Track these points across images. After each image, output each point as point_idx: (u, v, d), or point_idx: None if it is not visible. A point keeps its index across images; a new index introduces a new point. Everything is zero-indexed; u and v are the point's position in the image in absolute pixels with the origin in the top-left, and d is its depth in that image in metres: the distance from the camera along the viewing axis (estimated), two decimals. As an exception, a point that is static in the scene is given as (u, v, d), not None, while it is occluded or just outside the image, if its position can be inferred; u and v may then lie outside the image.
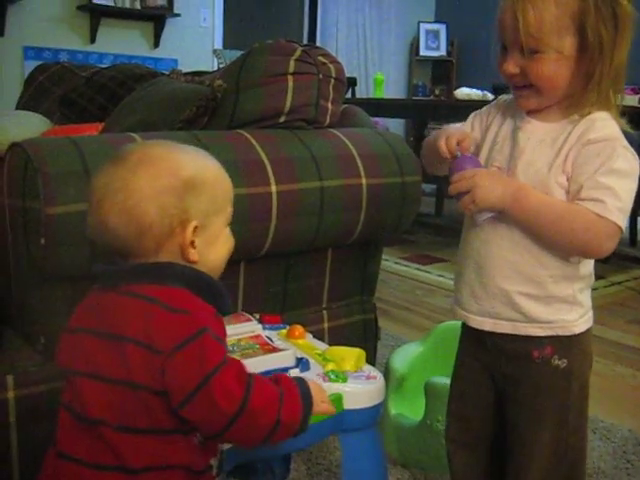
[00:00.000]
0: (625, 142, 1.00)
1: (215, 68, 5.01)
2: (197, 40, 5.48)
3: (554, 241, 1.03)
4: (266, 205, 1.43)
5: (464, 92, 4.25)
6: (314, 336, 1.32)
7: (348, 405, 1.11)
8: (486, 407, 1.17)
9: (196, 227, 0.87)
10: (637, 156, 1.00)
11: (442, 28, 6.59)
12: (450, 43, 6.57)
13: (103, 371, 0.83)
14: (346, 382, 1.12)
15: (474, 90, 4.25)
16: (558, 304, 1.06)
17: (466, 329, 1.17)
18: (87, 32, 5.02)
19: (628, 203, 0.99)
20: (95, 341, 0.85)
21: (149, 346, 0.79)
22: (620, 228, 0.98)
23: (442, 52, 6.62)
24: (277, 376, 0.92)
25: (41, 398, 1.26)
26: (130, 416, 0.82)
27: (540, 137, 1.04)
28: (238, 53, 1.92)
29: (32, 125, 2.43)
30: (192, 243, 0.87)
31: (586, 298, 1.10)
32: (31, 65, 3.61)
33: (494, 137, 1.12)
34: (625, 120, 1.04)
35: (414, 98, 6.31)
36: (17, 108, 3.09)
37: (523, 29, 0.96)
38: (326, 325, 1.72)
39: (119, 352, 0.81)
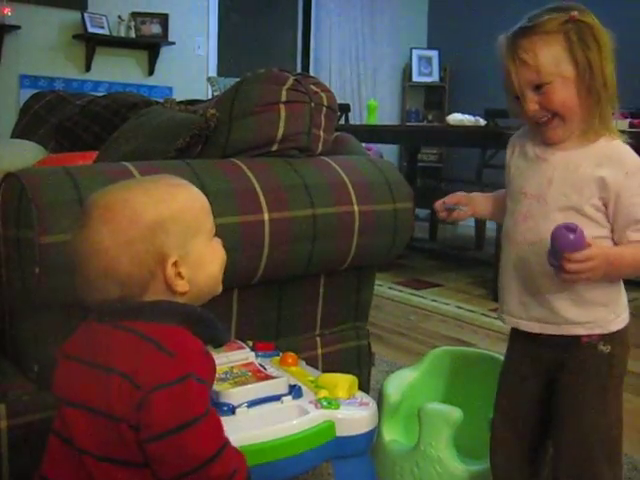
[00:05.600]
0: None
1: (209, 95, 5.06)
2: (191, 68, 5.53)
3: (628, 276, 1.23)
4: (259, 233, 1.44)
5: (456, 118, 4.27)
6: (308, 363, 1.33)
7: (341, 432, 1.11)
8: (531, 401, 1.28)
9: (175, 261, 0.87)
10: None
11: (434, 54, 6.66)
12: (442, 69, 6.64)
13: (89, 401, 0.84)
14: (339, 409, 1.13)
15: (466, 116, 4.28)
16: (594, 307, 1.20)
17: (514, 333, 1.31)
18: (82, 61, 5.07)
19: None
20: (85, 371, 0.86)
21: (131, 379, 0.80)
22: None
23: (435, 78, 6.68)
24: (236, 450, 0.90)
25: (34, 427, 1.26)
26: (109, 447, 0.82)
27: (564, 165, 1.20)
28: (232, 81, 1.94)
29: (27, 154, 2.44)
30: (179, 275, 0.88)
31: (620, 298, 1.24)
32: (27, 93, 3.64)
33: (518, 166, 1.28)
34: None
35: (407, 124, 6.35)
36: (12, 136, 3.10)
37: (523, 68, 1.16)
38: (320, 351, 1.72)
39: (104, 384, 0.82)
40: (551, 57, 1.15)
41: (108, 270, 0.85)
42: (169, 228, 0.87)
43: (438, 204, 1.40)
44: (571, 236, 1.09)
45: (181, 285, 0.88)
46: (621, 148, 1.19)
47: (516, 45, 1.17)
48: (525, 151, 1.28)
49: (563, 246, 1.09)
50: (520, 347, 1.31)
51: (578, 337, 1.21)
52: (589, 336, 1.21)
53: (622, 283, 1.25)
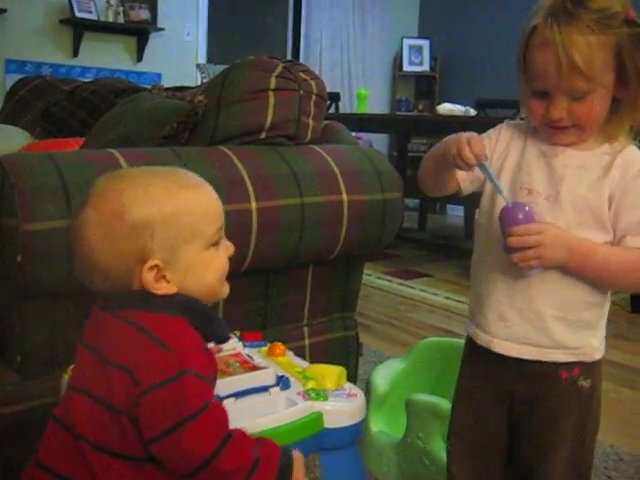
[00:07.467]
0: None
1: (199, 82, 5.02)
2: (181, 54, 5.49)
3: (616, 287, 1.12)
4: (246, 222, 1.42)
5: (447, 107, 4.27)
6: (295, 353, 1.31)
7: (328, 423, 1.10)
8: (496, 430, 1.15)
9: (157, 265, 0.84)
10: None
11: (425, 44, 6.64)
12: (433, 58, 6.62)
13: (91, 388, 0.83)
14: (326, 400, 1.12)
15: (457, 105, 4.28)
16: (585, 330, 1.08)
17: (475, 350, 1.15)
18: (70, 46, 5.02)
19: None
20: (90, 357, 0.85)
21: (132, 374, 0.79)
22: None
23: (425, 67, 6.67)
24: (262, 439, 0.89)
25: (18, 417, 1.24)
26: (107, 437, 0.81)
27: (578, 164, 1.05)
28: (222, 68, 1.92)
29: (12, 139, 2.41)
30: (163, 278, 0.85)
31: (604, 324, 1.12)
32: (13, 78, 3.61)
33: (517, 161, 1.11)
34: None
35: (397, 113, 6.34)
36: (-2, 122, 3.07)
37: (572, 74, 0.96)
38: (307, 342, 1.71)
39: (103, 373, 0.81)
40: (603, 64, 0.97)
41: (90, 259, 0.85)
42: (156, 231, 0.84)
43: (469, 152, 1.03)
44: (520, 215, 1.00)
45: (164, 288, 0.85)
46: (634, 150, 1.05)
47: (567, 40, 0.96)
48: (524, 142, 1.11)
49: (509, 224, 1.01)
50: (480, 372, 1.15)
51: (557, 370, 1.08)
52: (569, 371, 1.08)
53: (607, 307, 1.13)
